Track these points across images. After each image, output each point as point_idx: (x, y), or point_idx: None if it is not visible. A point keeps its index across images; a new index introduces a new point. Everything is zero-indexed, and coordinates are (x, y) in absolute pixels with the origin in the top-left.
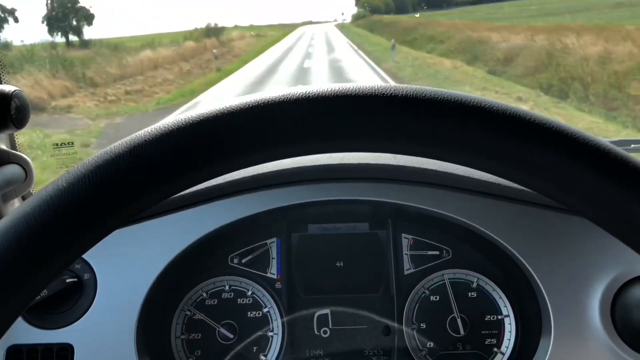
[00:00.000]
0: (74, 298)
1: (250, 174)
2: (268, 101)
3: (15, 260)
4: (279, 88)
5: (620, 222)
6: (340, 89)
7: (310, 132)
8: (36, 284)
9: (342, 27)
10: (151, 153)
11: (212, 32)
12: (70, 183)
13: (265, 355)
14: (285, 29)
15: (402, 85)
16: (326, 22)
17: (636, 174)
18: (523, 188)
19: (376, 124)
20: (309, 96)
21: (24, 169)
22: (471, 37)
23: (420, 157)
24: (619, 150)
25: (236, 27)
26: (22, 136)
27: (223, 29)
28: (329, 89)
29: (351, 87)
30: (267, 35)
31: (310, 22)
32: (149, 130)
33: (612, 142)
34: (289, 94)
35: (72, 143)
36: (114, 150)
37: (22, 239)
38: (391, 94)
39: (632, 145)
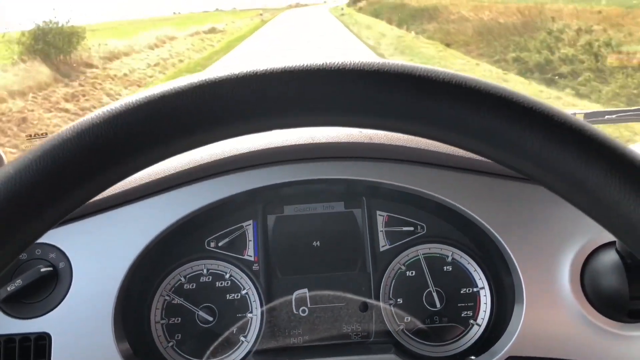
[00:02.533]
0: (50, 287)
1: (223, 157)
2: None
3: None
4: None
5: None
6: (305, 64)
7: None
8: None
9: (341, 15)
10: (102, 133)
11: (47, 39)
12: (17, 169)
13: (245, 336)
14: (266, 15)
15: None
16: (315, 4)
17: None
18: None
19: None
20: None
21: None
22: None
23: (389, 134)
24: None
25: (175, 14)
26: None
27: (74, 31)
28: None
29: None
30: (226, 31)
31: (298, 5)
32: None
33: (587, 114)
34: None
35: (46, 134)
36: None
37: None
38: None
39: (606, 117)
